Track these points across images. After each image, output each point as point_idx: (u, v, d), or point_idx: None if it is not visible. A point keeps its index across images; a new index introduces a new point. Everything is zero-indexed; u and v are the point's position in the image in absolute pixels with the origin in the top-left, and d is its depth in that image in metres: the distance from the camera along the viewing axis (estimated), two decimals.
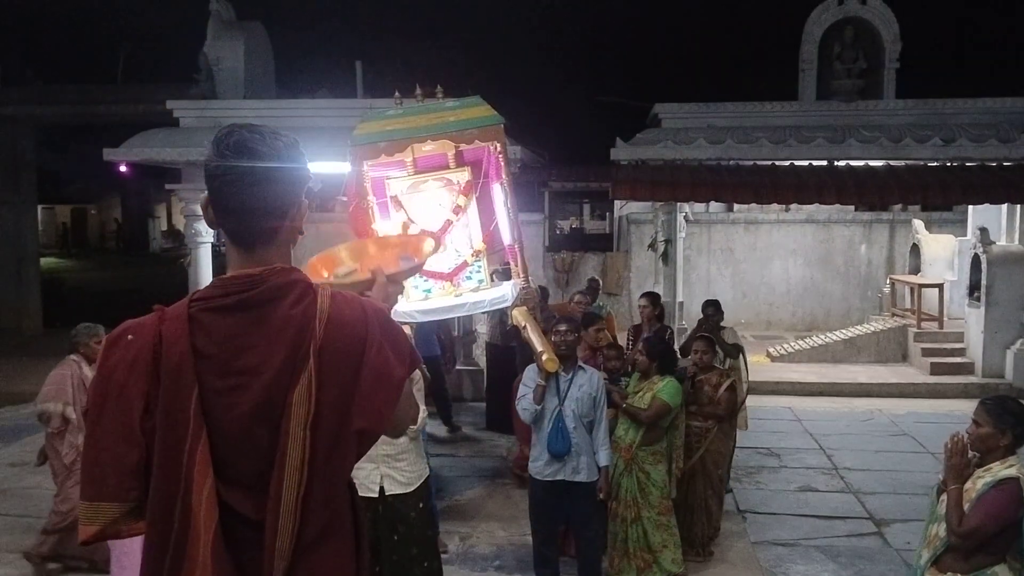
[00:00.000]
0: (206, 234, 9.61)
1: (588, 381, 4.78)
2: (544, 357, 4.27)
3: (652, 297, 7.23)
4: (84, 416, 1.67)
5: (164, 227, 38.75)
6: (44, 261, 18.99)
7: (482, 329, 10.08)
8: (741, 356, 6.82)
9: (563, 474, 4.67)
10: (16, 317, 14.72)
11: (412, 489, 4.46)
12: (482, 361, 10.17)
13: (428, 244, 2.16)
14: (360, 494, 4.54)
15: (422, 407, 4.50)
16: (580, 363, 4.93)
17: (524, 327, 4.38)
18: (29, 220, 15.57)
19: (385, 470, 4.39)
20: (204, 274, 9.51)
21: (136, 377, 1.54)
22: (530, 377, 4.80)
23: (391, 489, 4.40)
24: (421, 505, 4.51)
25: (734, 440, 6.26)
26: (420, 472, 4.55)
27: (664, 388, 5.06)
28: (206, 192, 1.62)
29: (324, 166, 7.96)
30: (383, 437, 4.57)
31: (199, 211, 9.28)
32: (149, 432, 1.54)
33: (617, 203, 15.92)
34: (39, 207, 18.82)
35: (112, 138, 9.43)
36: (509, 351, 8.19)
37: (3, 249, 14.70)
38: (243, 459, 1.54)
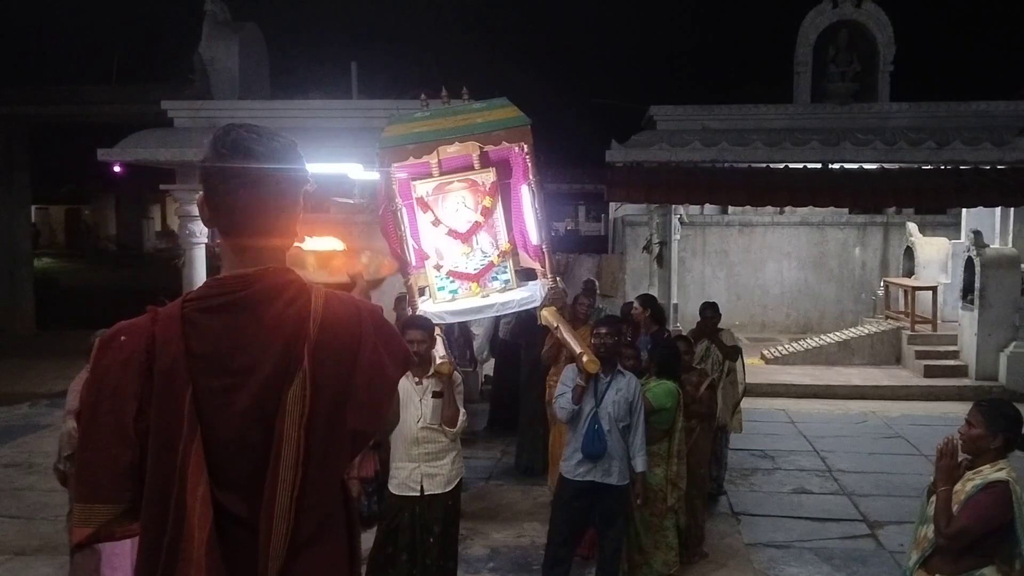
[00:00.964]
0: (200, 235, 9.59)
1: (626, 386, 4.74)
2: (585, 358, 4.20)
3: (644, 300, 7.08)
4: (77, 418, 1.66)
5: (158, 228, 38.64)
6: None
7: (478, 331, 10.05)
8: (739, 358, 6.82)
9: (594, 475, 4.65)
10: (9, 318, 14.65)
11: (451, 488, 4.48)
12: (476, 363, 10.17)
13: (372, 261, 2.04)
14: (402, 493, 4.55)
15: (461, 410, 4.49)
16: (620, 368, 4.87)
17: (556, 327, 4.32)
18: (22, 220, 15.51)
19: (425, 469, 4.38)
20: (198, 275, 9.47)
21: (129, 378, 1.53)
22: (569, 377, 4.75)
23: (430, 489, 4.40)
24: (451, 503, 4.52)
25: (711, 440, 6.24)
26: (459, 471, 4.57)
27: (653, 388, 5.06)
28: (202, 191, 1.62)
29: (318, 167, 7.94)
30: (423, 435, 4.51)
31: (193, 212, 9.28)
32: (143, 433, 1.53)
33: (612, 205, 15.94)
34: (33, 207, 18.71)
35: (106, 138, 9.40)
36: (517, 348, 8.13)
37: None
38: (237, 460, 1.54)
